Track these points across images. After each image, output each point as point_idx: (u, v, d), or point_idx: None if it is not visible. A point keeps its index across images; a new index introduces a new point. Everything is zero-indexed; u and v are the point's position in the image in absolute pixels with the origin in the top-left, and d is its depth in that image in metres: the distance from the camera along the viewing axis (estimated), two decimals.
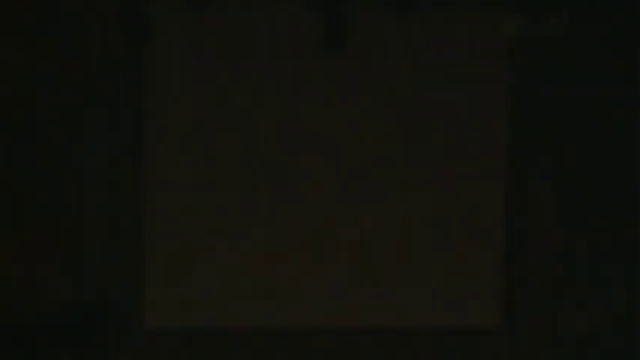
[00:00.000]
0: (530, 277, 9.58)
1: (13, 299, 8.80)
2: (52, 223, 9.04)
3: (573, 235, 9.57)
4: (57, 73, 8.99)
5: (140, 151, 9.18)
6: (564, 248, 9.58)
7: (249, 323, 9.32)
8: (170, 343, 9.26)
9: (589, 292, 9.49)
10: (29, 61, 8.97)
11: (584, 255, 9.53)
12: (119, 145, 9.15)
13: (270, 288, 9.32)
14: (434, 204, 9.48)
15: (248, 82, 9.23)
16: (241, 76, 9.20)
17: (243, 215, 9.30)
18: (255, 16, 9.12)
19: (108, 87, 9.09)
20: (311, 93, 9.29)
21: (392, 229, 9.44)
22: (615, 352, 9.38)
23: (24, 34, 8.93)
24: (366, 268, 9.41)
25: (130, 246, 9.18)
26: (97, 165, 9.08)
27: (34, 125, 9.02)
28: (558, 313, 9.54)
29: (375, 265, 9.42)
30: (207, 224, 9.26)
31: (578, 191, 9.58)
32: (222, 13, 8.68)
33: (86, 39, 9.00)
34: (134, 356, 9.19)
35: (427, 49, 9.29)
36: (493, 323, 9.60)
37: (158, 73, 9.14)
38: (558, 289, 9.56)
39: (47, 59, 8.97)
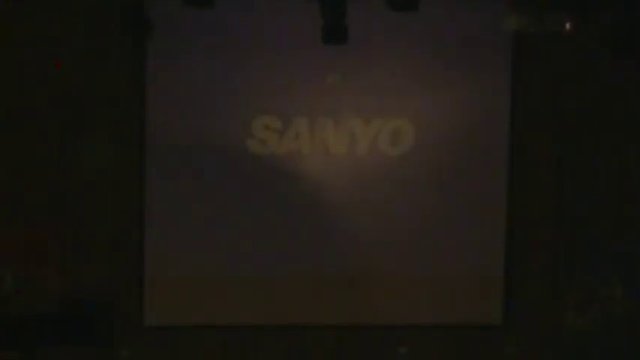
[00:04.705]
0: (530, 276, 9.59)
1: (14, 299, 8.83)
2: (52, 223, 9.06)
3: (574, 234, 9.57)
4: (57, 72, 9.01)
5: (140, 151, 9.20)
6: (564, 247, 9.59)
7: (248, 322, 9.35)
8: (169, 342, 9.29)
9: (589, 292, 9.50)
10: (29, 60, 8.99)
11: (584, 255, 9.53)
12: (119, 144, 9.16)
13: (269, 287, 9.34)
14: (435, 203, 9.47)
15: (248, 78, 9.23)
16: (241, 73, 9.20)
17: (243, 215, 9.31)
18: (255, 14, 9.13)
19: (109, 86, 9.10)
20: (312, 89, 9.31)
21: (393, 227, 9.45)
22: (615, 350, 9.38)
23: (24, 34, 8.95)
24: (367, 267, 9.42)
25: (130, 246, 9.20)
26: (97, 165, 9.08)
27: (34, 125, 9.03)
28: (558, 311, 9.54)
29: (375, 264, 9.43)
30: (207, 224, 9.27)
31: (579, 191, 9.58)
32: (222, 11, 8.66)
33: (87, 38, 9.01)
34: (133, 354, 9.22)
35: (428, 44, 9.29)
36: (493, 321, 9.62)
37: (159, 71, 9.13)
38: (558, 288, 9.57)
39: (47, 59, 8.99)
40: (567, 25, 8.23)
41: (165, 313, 9.25)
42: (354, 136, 9.38)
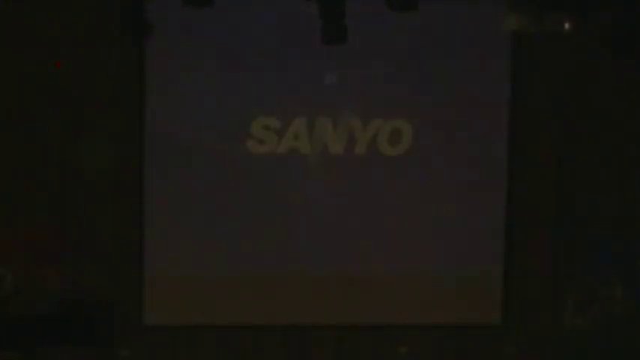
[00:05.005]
0: (530, 276, 9.58)
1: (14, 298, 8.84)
2: (52, 223, 9.06)
3: (574, 234, 9.57)
4: (57, 72, 9.01)
5: (140, 151, 9.19)
6: (564, 247, 9.59)
7: (248, 322, 9.35)
8: (169, 342, 9.29)
9: (589, 292, 9.50)
10: (29, 60, 8.99)
11: (584, 255, 9.53)
12: (119, 144, 9.15)
13: (269, 287, 9.34)
14: (435, 203, 9.47)
15: (248, 78, 9.23)
16: (241, 73, 9.20)
17: (242, 215, 9.31)
18: (255, 14, 9.13)
19: (109, 86, 9.10)
20: (312, 89, 9.31)
21: (393, 227, 9.44)
22: (615, 350, 9.38)
23: (24, 34, 8.95)
24: (367, 267, 9.41)
25: (130, 246, 9.20)
26: (97, 165, 9.08)
27: (34, 125, 9.03)
28: (558, 311, 9.54)
29: (375, 264, 9.42)
30: (207, 224, 9.27)
31: (579, 191, 9.58)
32: (222, 11, 8.65)
33: (87, 38, 9.00)
34: (133, 354, 9.22)
35: (428, 44, 9.28)
36: (493, 321, 9.62)
37: (159, 71, 9.14)
38: (558, 288, 9.56)
39: (47, 58, 8.99)
40: (567, 25, 8.24)
41: (165, 313, 9.26)
42: (353, 136, 9.39)
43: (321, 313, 9.41)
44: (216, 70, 9.15)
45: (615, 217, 9.55)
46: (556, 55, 9.36)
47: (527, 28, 8.44)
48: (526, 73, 9.43)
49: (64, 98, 9.03)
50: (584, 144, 9.53)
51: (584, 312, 9.46)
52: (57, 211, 9.08)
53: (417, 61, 9.30)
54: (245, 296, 9.28)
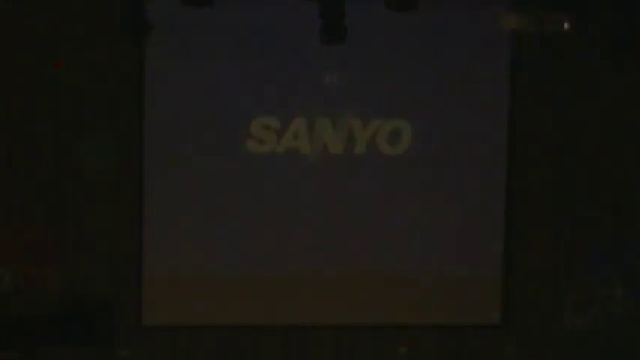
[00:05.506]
0: (530, 276, 9.58)
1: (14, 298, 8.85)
2: (52, 223, 9.06)
3: (574, 234, 9.57)
4: (57, 71, 9.01)
5: (140, 151, 9.19)
6: (564, 247, 9.59)
7: (248, 322, 9.35)
8: (169, 342, 9.29)
9: (589, 292, 9.50)
10: (29, 60, 8.99)
11: (584, 255, 9.53)
12: (119, 144, 9.15)
13: (269, 287, 9.34)
14: (435, 203, 9.47)
15: (248, 78, 9.23)
16: (241, 73, 9.20)
17: (242, 215, 9.31)
18: (255, 14, 9.13)
19: (109, 86, 9.10)
20: (311, 89, 9.31)
21: (393, 227, 9.44)
22: (615, 350, 9.38)
23: (24, 34, 8.95)
24: (367, 266, 9.42)
25: (130, 246, 9.20)
26: (97, 165, 9.08)
27: (34, 125, 9.03)
28: (558, 311, 9.54)
29: (375, 264, 9.42)
30: (207, 224, 9.27)
31: (579, 191, 9.58)
32: (222, 11, 8.66)
33: (87, 38, 9.01)
34: (133, 354, 9.22)
35: (428, 44, 9.29)
36: (493, 321, 9.62)
37: (159, 71, 9.14)
38: (558, 288, 9.57)
39: (47, 59, 8.99)
40: (567, 25, 8.25)
41: (165, 313, 9.26)
42: (353, 136, 9.39)
43: (321, 313, 9.42)
44: (216, 70, 9.15)
45: (615, 217, 9.55)
46: (556, 55, 9.35)
47: (527, 28, 8.44)
48: (526, 73, 9.43)
49: (64, 98, 9.04)
50: (584, 144, 9.54)
51: (584, 312, 9.46)
52: (57, 211, 9.08)
53: (417, 61, 9.30)
54: (245, 296, 9.28)
